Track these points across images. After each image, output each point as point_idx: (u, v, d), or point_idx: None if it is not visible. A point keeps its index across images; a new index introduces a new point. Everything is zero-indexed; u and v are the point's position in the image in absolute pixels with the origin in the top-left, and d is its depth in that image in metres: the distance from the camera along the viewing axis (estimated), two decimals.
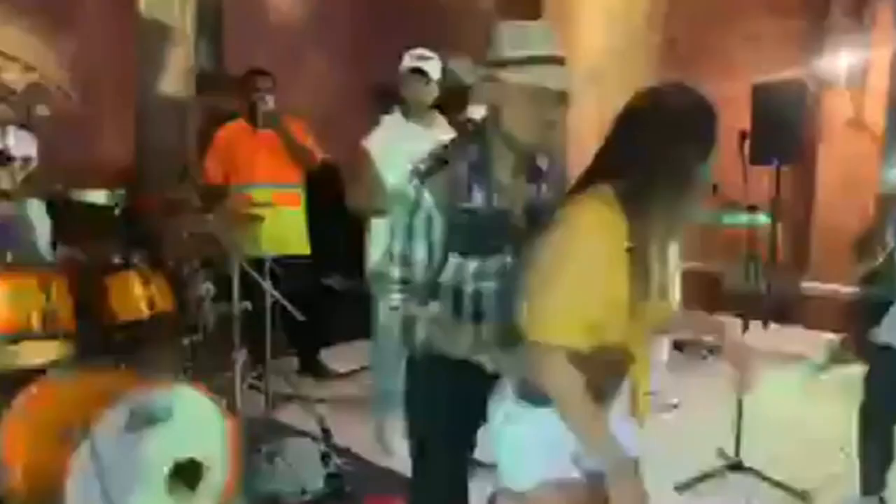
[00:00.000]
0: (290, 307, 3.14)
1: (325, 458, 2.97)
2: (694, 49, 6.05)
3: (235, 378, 2.85)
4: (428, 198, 1.70)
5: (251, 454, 2.86)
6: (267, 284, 3.23)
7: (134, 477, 2.32)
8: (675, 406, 3.91)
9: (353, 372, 4.29)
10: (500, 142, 1.75)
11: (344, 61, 6.54)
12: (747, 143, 3.37)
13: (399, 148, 3.23)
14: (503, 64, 1.68)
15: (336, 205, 3.75)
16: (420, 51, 3.34)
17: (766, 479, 3.16)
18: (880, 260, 2.83)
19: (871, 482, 2.90)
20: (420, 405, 1.92)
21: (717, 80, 5.98)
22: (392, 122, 3.39)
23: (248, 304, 2.85)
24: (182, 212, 3.11)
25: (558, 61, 1.69)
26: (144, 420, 2.35)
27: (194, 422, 2.41)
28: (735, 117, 5.59)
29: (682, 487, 3.16)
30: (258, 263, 3.44)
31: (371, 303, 3.36)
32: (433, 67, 3.31)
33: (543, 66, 1.67)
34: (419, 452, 1.92)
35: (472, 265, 1.76)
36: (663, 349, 4.28)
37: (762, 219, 5.69)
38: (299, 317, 3.13)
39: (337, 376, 4.26)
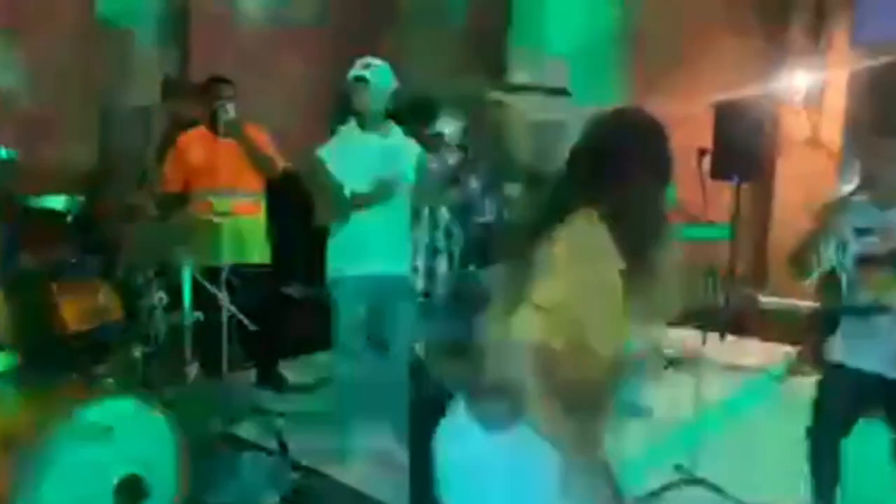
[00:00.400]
0: (241, 317, 3.08)
1: (279, 472, 2.92)
2: (661, 68, 6.15)
3: (188, 391, 2.78)
4: (445, 214, 1.76)
5: (205, 469, 2.80)
6: (222, 295, 3.18)
7: (79, 491, 2.25)
8: (648, 411, 3.91)
9: (313, 384, 4.23)
10: (505, 159, 1.81)
11: (311, 70, 6.50)
12: (706, 159, 3.39)
13: (353, 157, 3.26)
14: (514, 89, 1.77)
15: (297, 213, 3.72)
16: (367, 59, 3.35)
17: (720, 492, 3.19)
18: (816, 272, 2.82)
19: (822, 497, 2.94)
20: None
21: (681, 99, 6.14)
22: (347, 132, 3.40)
23: (200, 315, 2.78)
24: (138, 219, 3.04)
25: (565, 93, 1.78)
26: (91, 433, 2.28)
27: (142, 436, 2.35)
28: (697, 135, 5.72)
29: (640, 501, 3.17)
30: (216, 272, 3.39)
31: (330, 312, 3.34)
32: (377, 76, 3.31)
33: (551, 96, 1.75)
34: None
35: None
36: None
37: (722, 234, 5.79)
38: (251, 326, 3.07)
39: (296, 389, 4.19)
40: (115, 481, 2.32)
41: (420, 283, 1.86)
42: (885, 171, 2.60)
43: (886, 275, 2.60)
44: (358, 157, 3.27)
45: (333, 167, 3.27)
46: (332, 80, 5.90)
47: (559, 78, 1.86)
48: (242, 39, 6.07)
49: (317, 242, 3.52)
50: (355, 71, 3.33)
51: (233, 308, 2.97)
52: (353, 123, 3.40)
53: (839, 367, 2.77)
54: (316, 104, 6.06)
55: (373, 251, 3.24)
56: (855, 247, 2.68)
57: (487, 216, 1.83)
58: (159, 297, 2.79)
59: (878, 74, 5.55)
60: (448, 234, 1.81)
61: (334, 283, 3.38)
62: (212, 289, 2.81)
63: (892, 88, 5.58)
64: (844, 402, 2.78)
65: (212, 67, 4.52)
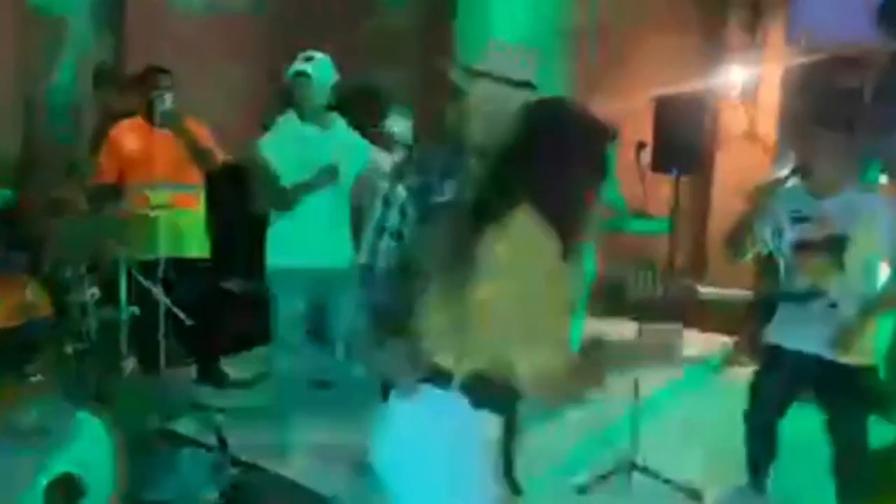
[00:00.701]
0: (178, 312, 3.01)
1: (219, 468, 2.87)
2: (601, 62, 6.23)
3: (123, 387, 2.70)
4: (402, 193, 1.80)
5: (142, 466, 2.73)
6: (157, 289, 3.10)
7: (10, 493, 2.17)
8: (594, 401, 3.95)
9: (252, 380, 4.16)
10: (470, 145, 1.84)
11: (248, 60, 6.39)
12: (644, 153, 3.44)
13: (292, 148, 3.22)
14: (481, 77, 1.79)
15: (237, 206, 3.66)
16: (308, 52, 3.31)
17: (660, 478, 3.25)
18: (750, 252, 2.94)
19: (758, 476, 3.03)
20: None
21: (621, 94, 6.23)
22: (285, 124, 3.34)
23: (135, 310, 2.70)
24: (67, 212, 2.94)
25: (530, 86, 1.88)
26: (20, 434, 2.20)
27: (74, 435, 2.27)
28: (639, 129, 5.81)
29: (582, 489, 3.22)
30: (152, 266, 3.31)
31: (269, 306, 3.29)
32: (318, 70, 3.27)
33: (517, 88, 1.78)
34: None
35: None
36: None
37: (661, 227, 5.91)
38: (188, 321, 3.00)
39: (235, 384, 4.11)
40: (48, 481, 2.24)
41: (363, 257, 1.89)
42: (819, 162, 2.69)
43: (822, 261, 2.69)
44: (297, 148, 3.23)
45: (272, 158, 3.22)
46: (270, 70, 5.83)
47: (526, 70, 1.88)
48: (178, 28, 5.92)
49: (257, 236, 3.47)
50: (296, 66, 3.27)
51: (168, 302, 2.89)
52: (292, 114, 3.35)
53: (776, 349, 2.86)
54: (254, 95, 5.95)
55: (313, 244, 3.20)
56: (791, 233, 2.78)
57: (446, 196, 1.84)
58: (91, 292, 2.69)
59: (811, 70, 5.73)
60: (402, 214, 1.84)
61: (273, 276, 3.33)
62: (146, 283, 2.73)
63: (824, 83, 5.77)
64: (780, 384, 2.87)
65: (148, 57, 4.41)
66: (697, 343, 5.45)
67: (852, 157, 2.82)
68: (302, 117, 3.31)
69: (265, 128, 3.42)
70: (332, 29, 5.57)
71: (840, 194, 2.71)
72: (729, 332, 5.39)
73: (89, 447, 2.30)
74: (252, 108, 5.55)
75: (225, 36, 6.22)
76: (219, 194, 4.20)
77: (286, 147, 3.21)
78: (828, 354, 2.65)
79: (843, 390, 2.69)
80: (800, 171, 2.75)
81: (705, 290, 6.14)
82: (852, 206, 2.68)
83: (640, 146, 3.47)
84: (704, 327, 5.77)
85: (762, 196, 2.84)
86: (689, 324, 5.90)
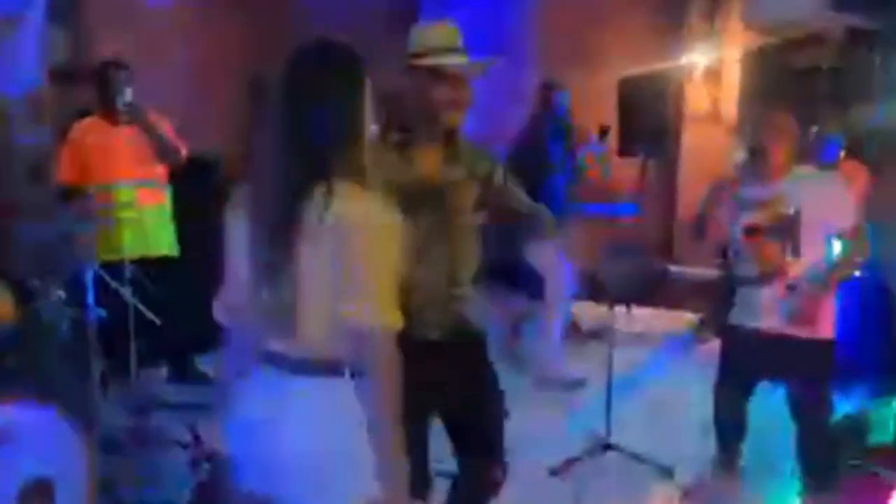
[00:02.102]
0: (145, 311, 2.98)
1: (194, 465, 2.86)
2: (568, 43, 6.26)
3: (93, 389, 2.68)
4: None
5: (114, 467, 2.72)
6: (125, 289, 3.08)
7: None
8: (581, 382, 4.01)
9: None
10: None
11: (222, 51, 6.30)
12: (608, 136, 3.48)
13: None
14: (415, 55, 1.96)
15: (205, 200, 3.60)
16: None
17: (633, 456, 3.32)
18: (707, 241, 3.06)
19: (727, 454, 3.09)
20: None
21: (588, 75, 6.26)
22: None
23: (101, 312, 2.67)
24: (29, 215, 2.89)
25: (459, 51, 1.97)
26: None
27: (41, 440, 2.26)
28: (605, 112, 5.85)
29: (555, 471, 3.27)
30: (120, 266, 3.27)
31: None
32: None
33: (446, 55, 1.94)
34: None
35: None
36: (555, 328, 4.38)
37: (628, 209, 5.97)
38: (156, 321, 2.98)
39: (210, 381, 4.08)
40: (20, 485, 2.22)
41: None
42: (771, 141, 2.74)
43: (774, 244, 2.74)
44: None
45: None
46: (242, 63, 5.77)
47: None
48: (143, 20, 5.82)
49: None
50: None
51: (135, 301, 2.86)
52: None
53: (737, 329, 2.92)
54: (226, 88, 5.88)
55: None
56: (742, 218, 2.82)
57: None
58: (58, 294, 2.66)
59: (769, 51, 5.81)
60: None
61: None
62: (114, 284, 2.70)
63: (781, 64, 5.85)
64: (743, 362, 2.93)
65: (109, 50, 4.31)
66: (666, 321, 5.54)
67: (805, 135, 2.89)
68: None
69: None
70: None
71: (792, 173, 2.76)
72: (695, 311, 5.49)
73: (60, 450, 2.28)
74: (227, 99, 5.47)
75: (197, 27, 6.14)
76: (192, 188, 4.12)
77: None
78: (787, 330, 2.71)
79: (803, 366, 2.75)
80: (754, 153, 2.80)
81: (674, 269, 6.23)
82: (804, 184, 2.73)
83: (603, 130, 3.48)
84: (671, 305, 5.87)
85: (718, 187, 2.93)
86: (656, 303, 6.01)
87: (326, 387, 1.51)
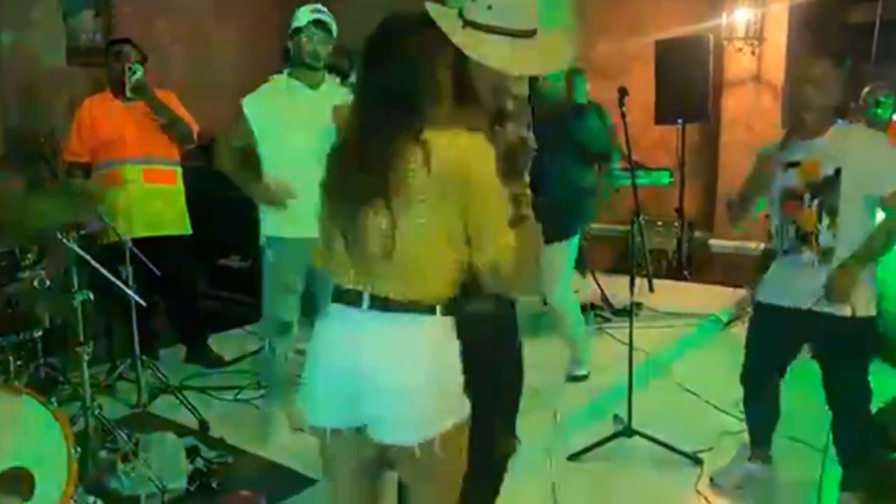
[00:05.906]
0: (132, 294, 2.88)
1: (191, 452, 2.78)
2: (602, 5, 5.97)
3: (84, 374, 2.60)
4: None
5: (107, 454, 2.65)
6: (126, 270, 2.99)
7: None
8: (585, 377, 3.82)
9: (241, 358, 4.06)
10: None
11: (248, 32, 6.22)
12: (626, 100, 3.22)
13: (279, 106, 2.93)
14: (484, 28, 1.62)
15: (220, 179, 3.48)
16: (314, 5, 2.99)
17: (658, 443, 3.11)
18: (743, 222, 2.77)
19: (759, 440, 2.87)
20: None
21: (624, 37, 5.96)
22: (277, 82, 3.00)
23: (89, 294, 2.58)
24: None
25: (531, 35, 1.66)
26: None
27: (21, 428, 2.19)
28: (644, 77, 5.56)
29: (575, 456, 3.09)
30: (121, 246, 3.20)
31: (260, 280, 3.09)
32: (332, 20, 2.95)
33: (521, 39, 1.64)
34: None
35: None
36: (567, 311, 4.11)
37: (664, 179, 5.67)
38: (142, 303, 2.87)
39: (221, 364, 4.01)
40: None
41: None
42: (815, 97, 2.46)
43: (812, 207, 2.48)
44: (286, 106, 2.93)
45: (253, 115, 2.93)
46: (272, 39, 5.64)
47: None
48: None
49: (246, 210, 3.23)
50: (316, 13, 2.91)
51: (121, 284, 2.76)
52: (284, 73, 3.02)
53: (768, 307, 2.68)
54: (253, 66, 5.77)
55: (306, 212, 2.93)
56: (781, 182, 2.57)
57: None
58: (39, 276, 2.57)
59: (820, 6, 5.43)
60: None
61: (268, 244, 2.99)
62: (96, 265, 2.58)
63: (830, 20, 5.46)
64: (773, 340, 2.70)
65: (140, 31, 4.26)
66: (708, 296, 5.24)
67: (856, 94, 2.56)
68: (297, 75, 2.97)
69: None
70: None
71: (833, 129, 2.49)
72: (738, 286, 5.19)
73: (36, 440, 2.21)
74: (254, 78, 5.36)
75: (226, 9, 6.08)
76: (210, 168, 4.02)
77: (273, 105, 2.93)
78: (820, 306, 2.46)
79: (837, 346, 2.50)
80: (794, 108, 2.53)
81: (715, 243, 5.92)
82: (848, 142, 2.46)
83: (622, 92, 3.20)
84: (715, 280, 5.58)
85: (765, 157, 2.65)
86: (698, 278, 5.72)
87: (413, 322, 1.55)
